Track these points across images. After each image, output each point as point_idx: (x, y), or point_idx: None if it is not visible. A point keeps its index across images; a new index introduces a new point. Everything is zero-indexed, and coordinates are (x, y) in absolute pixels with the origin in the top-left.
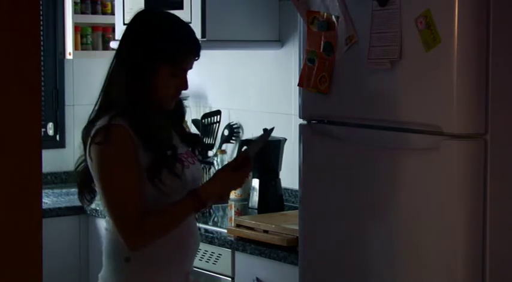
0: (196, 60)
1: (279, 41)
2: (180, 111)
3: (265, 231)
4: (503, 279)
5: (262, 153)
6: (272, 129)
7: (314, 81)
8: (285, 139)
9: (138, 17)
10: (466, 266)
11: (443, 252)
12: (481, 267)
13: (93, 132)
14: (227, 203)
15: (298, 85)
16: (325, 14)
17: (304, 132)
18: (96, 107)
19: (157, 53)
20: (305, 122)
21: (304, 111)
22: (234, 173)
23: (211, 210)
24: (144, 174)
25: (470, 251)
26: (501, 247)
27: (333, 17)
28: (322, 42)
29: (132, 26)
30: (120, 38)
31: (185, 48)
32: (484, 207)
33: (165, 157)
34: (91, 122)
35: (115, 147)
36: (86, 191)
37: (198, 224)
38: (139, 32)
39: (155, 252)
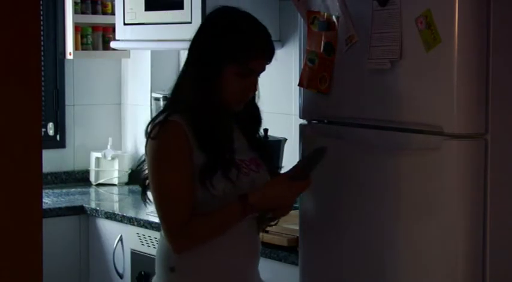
0: (267, 63)
1: (279, 41)
2: (254, 115)
3: (265, 231)
4: (503, 279)
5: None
6: (326, 147)
7: (314, 81)
8: (285, 139)
9: (210, 14)
10: (466, 266)
11: (443, 253)
12: (481, 268)
13: (150, 127)
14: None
15: (298, 85)
16: (326, 14)
17: (305, 132)
18: (165, 104)
19: (222, 51)
20: (305, 122)
21: (304, 111)
22: (290, 182)
23: (271, 221)
24: (197, 175)
25: (470, 251)
26: (501, 247)
27: (334, 17)
28: (322, 42)
29: (203, 23)
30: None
31: (251, 49)
32: (484, 207)
33: (219, 160)
34: (154, 118)
35: (167, 143)
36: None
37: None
38: (207, 30)
39: (201, 262)
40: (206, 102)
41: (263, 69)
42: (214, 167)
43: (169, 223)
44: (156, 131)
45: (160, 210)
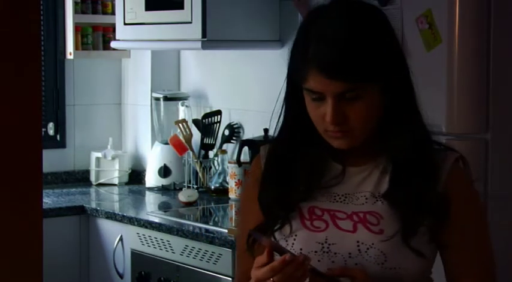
0: (333, 81)
1: (279, 41)
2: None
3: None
4: (503, 279)
5: None
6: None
7: None
8: None
9: None
10: None
11: None
12: None
13: None
14: None
15: None
16: None
17: None
18: None
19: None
20: None
21: None
22: (273, 263)
23: None
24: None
25: None
26: (501, 247)
27: None
28: None
29: None
30: None
31: (304, 62)
32: (484, 207)
33: (273, 215)
34: None
35: (247, 178)
36: None
37: None
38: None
39: None
40: (293, 133)
41: (332, 91)
42: (268, 223)
43: None
44: None
45: None
